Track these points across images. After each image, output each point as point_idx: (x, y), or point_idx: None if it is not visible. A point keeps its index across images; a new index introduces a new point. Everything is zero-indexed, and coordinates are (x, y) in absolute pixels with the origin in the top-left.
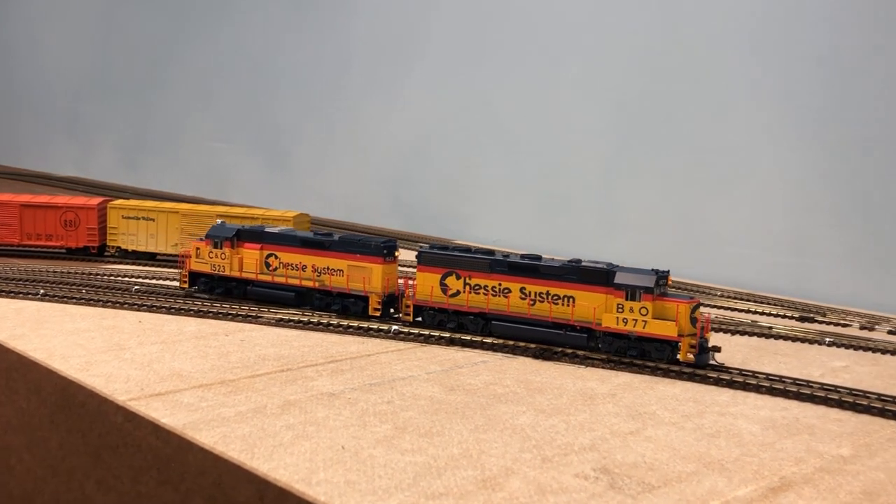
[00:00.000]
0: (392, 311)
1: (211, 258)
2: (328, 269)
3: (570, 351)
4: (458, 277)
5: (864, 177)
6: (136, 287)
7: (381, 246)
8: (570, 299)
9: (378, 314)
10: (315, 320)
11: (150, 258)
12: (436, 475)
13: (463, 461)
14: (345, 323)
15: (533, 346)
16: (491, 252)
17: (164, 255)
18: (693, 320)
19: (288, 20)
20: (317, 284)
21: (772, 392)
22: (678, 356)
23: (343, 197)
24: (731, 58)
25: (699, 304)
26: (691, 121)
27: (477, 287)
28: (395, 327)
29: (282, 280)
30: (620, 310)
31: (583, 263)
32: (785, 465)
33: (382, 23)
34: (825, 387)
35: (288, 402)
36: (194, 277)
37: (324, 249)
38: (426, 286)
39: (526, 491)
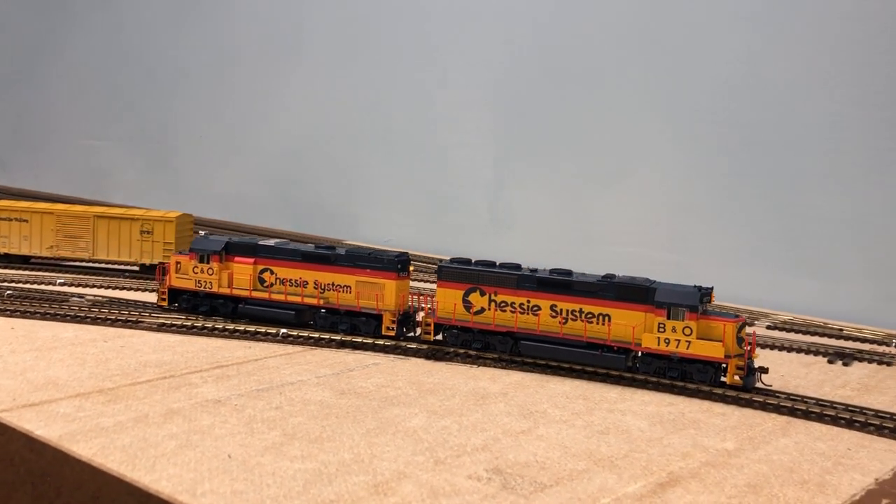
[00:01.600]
0: (405, 329)
1: (196, 273)
2: (333, 285)
3: (461, 351)
4: (483, 294)
5: (742, 176)
6: (9, 292)
7: (394, 260)
8: (606, 317)
9: (392, 333)
10: (199, 324)
11: (23, 261)
12: (326, 482)
13: (354, 466)
14: (230, 327)
15: (425, 346)
16: (517, 266)
17: (39, 257)
18: (739, 340)
19: (170, 14)
20: (321, 302)
21: (658, 388)
22: (724, 378)
23: (229, 196)
24: (615, 59)
25: (745, 323)
26: (578, 120)
27: (503, 304)
28: (283, 330)
29: (280, 297)
30: (662, 329)
31: (619, 278)
32: (672, 461)
33: (268, 18)
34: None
35: (171, 411)
36: (174, 294)
37: (329, 264)
38: (448, 303)
39: (418, 495)
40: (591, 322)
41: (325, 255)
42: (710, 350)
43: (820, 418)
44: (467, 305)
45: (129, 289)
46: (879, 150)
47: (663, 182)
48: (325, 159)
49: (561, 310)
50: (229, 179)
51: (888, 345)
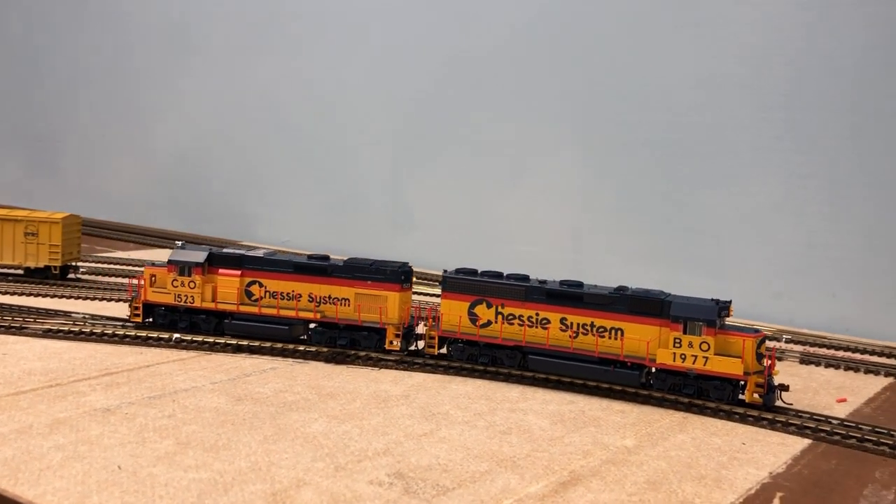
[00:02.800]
0: (413, 343)
1: (175, 287)
2: (330, 298)
3: (363, 353)
4: (490, 306)
5: (639, 177)
6: None
7: (397, 271)
8: (619, 332)
9: (397, 348)
10: (87, 330)
11: None
12: (222, 491)
13: (251, 475)
14: (121, 332)
15: (325, 349)
16: (525, 277)
17: None
18: (759, 356)
19: (56, 11)
20: (318, 316)
21: (558, 386)
22: (742, 396)
23: (117, 196)
24: (516, 60)
25: (765, 338)
26: (479, 121)
27: (511, 317)
28: (176, 335)
29: (272, 311)
30: (678, 345)
31: (632, 291)
32: (574, 459)
33: (161, 14)
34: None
35: (57, 421)
36: (149, 309)
37: (324, 276)
38: (453, 315)
39: (318, 502)
40: (603, 336)
41: (321, 266)
42: (729, 367)
43: (715, 413)
44: (473, 318)
45: (14, 293)
46: (767, 151)
47: (563, 182)
48: (220, 158)
49: (571, 323)
50: (119, 179)
51: (779, 340)
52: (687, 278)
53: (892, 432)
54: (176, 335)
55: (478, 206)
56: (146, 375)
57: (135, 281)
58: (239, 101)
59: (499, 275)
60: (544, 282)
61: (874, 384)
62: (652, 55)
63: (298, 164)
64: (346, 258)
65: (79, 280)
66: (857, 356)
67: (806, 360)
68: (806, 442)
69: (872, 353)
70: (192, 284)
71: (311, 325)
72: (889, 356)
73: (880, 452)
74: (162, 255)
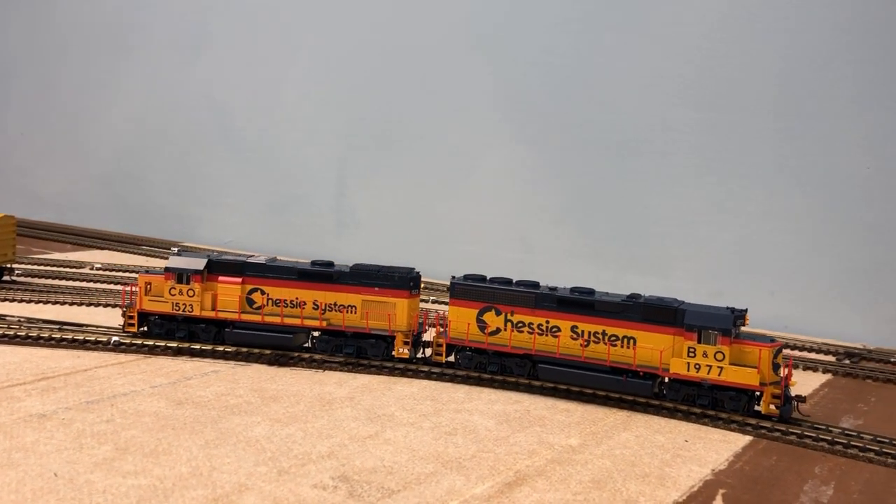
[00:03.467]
0: (421, 351)
1: (173, 295)
2: (336, 305)
3: (306, 355)
4: (499, 313)
5: (582, 177)
6: None
7: (405, 277)
8: (631, 340)
9: (406, 355)
10: (23, 334)
11: None
12: (162, 498)
13: (192, 480)
14: (57, 336)
15: (268, 351)
16: (535, 284)
17: None
18: (776, 366)
19: None
20: (323, 324)
21: (504, 386)
22: (758, 408)
23: (55, 196)
24: (459, 60)
25: (782, 348)
26: (425, 121)
27: (520, 324)
28: (115, 338)
29: (275, 320)
30: (692, 354)
31: (645, 299)
32: (519, 459)
33: (99, 9)
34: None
35: None
36: (143, 318)
37: (329, 282)
38: (461, 322)
39: None
40: (615, 345)
41: (326, 272)
42: (745, 377)
43: (658, 411)
44: (482, 325)
45: None
46: (708, 152)
47: (508, 182)
48: (161, 158)
49: (582, 331)
50: (55, 179)
51: None
52: (630, 277)
53: (830, 428)
54: (115, 338)
55: (423, 205)
56: (84, 380)
57: (128, 288)
58: (180, 99)
59: (508, 281)
60: (554, 289)
61: (813, 381)
62: (596, 56)
63: (241, 164)
64: (351, 264)
65: (14, 282)
66: (796, 353)
67: None
68: (747, 438)
69: (811, 350)
70: (190, 293)
71: (315, 333)
72: (827, 353)
73: (819, 448)
74: (101, 256)
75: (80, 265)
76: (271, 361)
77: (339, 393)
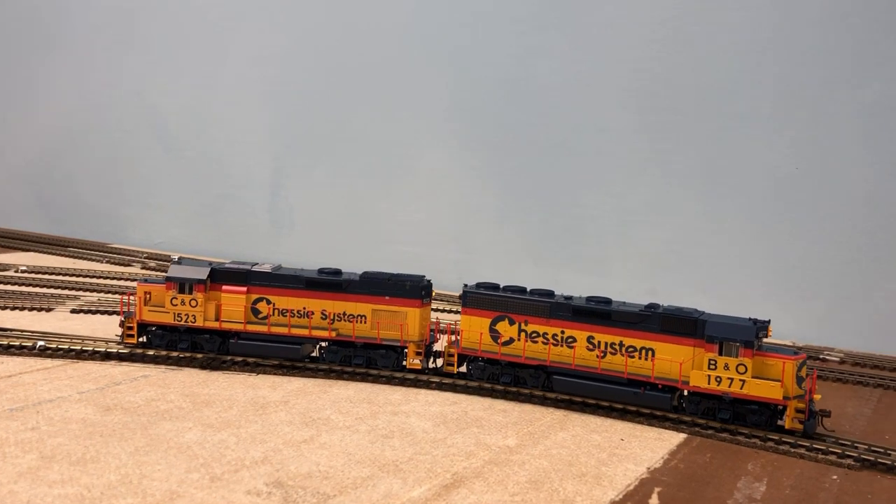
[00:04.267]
0: (432, 361)
1: (175, 306)
2: (345, 315)
3: (239, 359)
4: (512, 322)
5: (520, 177)
6: None
7: (417, 286)
8: (650, 352)
9: (418, 366)
10: None
11: None
12: None
13: (122, 488)
14: None
15: (199, 355)
16: (550, 293)
17: None
18: (799, 379)
19: None
20: (333, 335)
21: (441, 387)
22: (781, 422)
23: None
24: (398, 60)
25: (806, 360)
26: (363, 121)
27: (535, 335)
28: (40, 343)
29: (282, 330)
30: (713, 366)
31: (664, 309)
32: (456, 461)
33: (24, 4)
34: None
35: None
36: (143, 328)
37: (338, 291)
38: (473, 332)
39: None
40: (633, 356)
41: (335, 281)
42: (768, 391)
43: (594, 411)
44: (494, 335)
45: None
46: (644, 152)
47: (445, 182)
48: (90, 157)
49: (599, 342)
50: None
51: None
52: (568, 277)
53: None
54: (41, 343)
55: (360, 206)
56: (7, 386)
57: (126, 298)
58: (109, 98)
59: (522, 290)
60: (570, 298)
61: None
62: (534, 58)
63: (173, 164)
64: (360, 272)
65: None
66: None
67: None
68: (681, 436)
69: None
70: (193, 302)
71: (323, 344)
72: None
73: (752, 445)
74: (25, 258)
75: (5, 267)
76: (203, 365)
77: (273, 397)
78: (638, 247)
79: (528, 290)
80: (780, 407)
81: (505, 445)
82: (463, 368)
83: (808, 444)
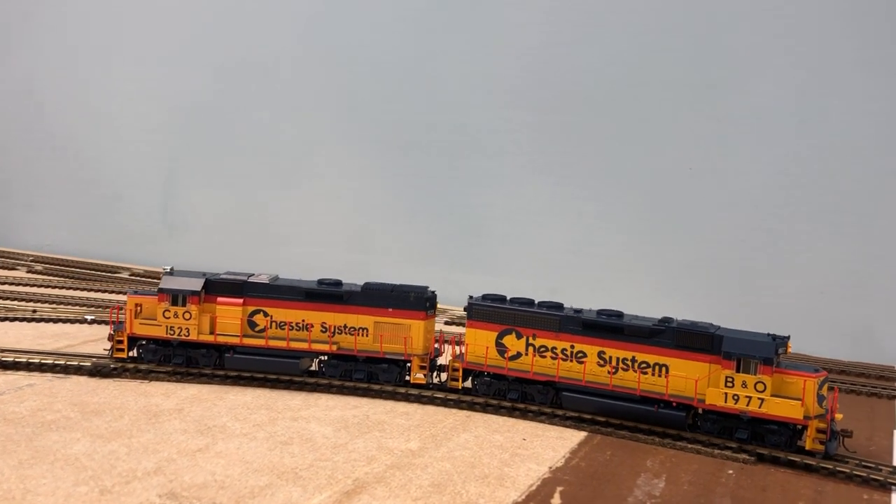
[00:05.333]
0: (436, 376)
1: (167, 318)
2: (346, 327)
3: (130, 366)
4: (520, 336)
5: (421, 177)
6: None
7: (421, 297)
8: (663, 368)
9: (422, 381)
10: None
11: None
12: None
13: None
14: None
15: (88, 363)
16: (559, 305)
17: None
18: (820, 398)
19: None
20: (333, 348)
21: (342, 391)
22: (801, 443)
23: None
24: (289, 61)
25: (827, 378)
26: (258, 119)
27: (543, 349)
28: None
29: (280, 344)
30: (730, 384)
31: (679, 323)
32: (358, 466)
33: None
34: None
35: None
36: (134, 342)
37: (339, 303)
38: (479, 346)
39: None
40: (646, 373)
41: (335, 293)
42: (787, 410)
43: (497, 411)
44: (501, 349)
45: None
46: (541, 153)
47: (343, 182)
48: None
49: (610, 357)
50: None
51: None
52: (466, 276)
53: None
54: None
55: (256, 206)
56: None
57: (115, 310)
58: None
59: (529, 302)
60: (580, 311)
61: None
62: (433, 57)
63: (60, 164)
64: (363, 283)
65: None
66: None
67: None
68: (582, 434)
69: None
70: (187, 315)
71: (323, 357)
72: None
73: (651, 442)
74: None
75: None
76: (92, 373)
77: (166, 404)
78: (536, 246)
79: (536, 302)
80: (800, 427)
81: (407, 449)
82: (468, 383)
83: (705, 440)
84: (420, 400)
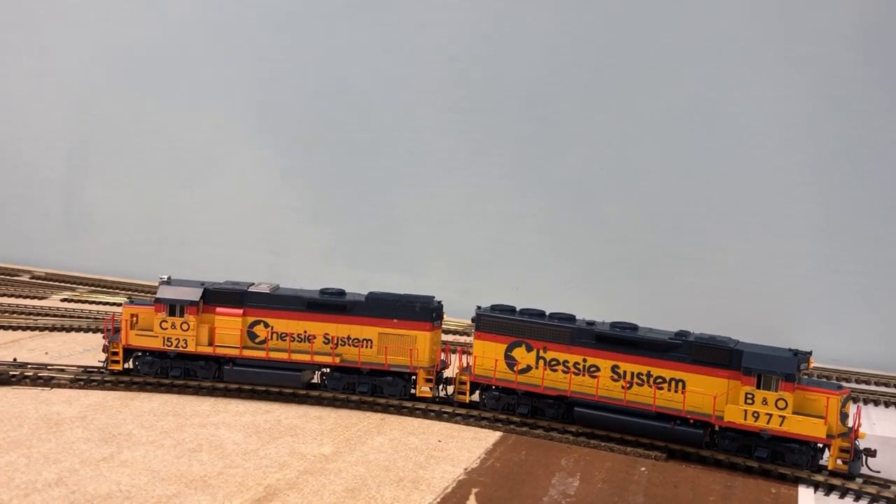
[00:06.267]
0: (442, 389)
1: (164, 329)
2: (350, 339)
3: (30, 373)
4: (530, 349)
5: (333, 176)
6: None
7: (427, 308)
8: (680, 383)
9: (429, 394)
10: None
11: None
12: None
13: None
14: None
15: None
16: (571, 317)
17: None
18: (843, 416)
19: None
20: (336, 360)
21: (252, 395)
22: (823, 461)
23: None
24: (198, 53)
25: (850, 396)
26: (165, 117)
27: (554, 362)
28: None
29: (282, 356)
30: (750, 401)
31: (696, 337)
32: (269, 473)
33: None
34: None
35: None
36: (129, 354)
37: (341, 313)
38: (487, 358)
39: None
40: (662, 388)
41: (338, 303)
42: (810, 428)
43: (412, 413)
44: (511, 362)
45: None
46: (455, 152)
47: (256, 182)
48: None
49: (624, 372)
50: None
51: (469, 335)
52: (382, 277)
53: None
54: None
55: (164, 206)
56: None
57: (110, 320)
58: None
59: (541, 313)
60: (593, 323)
61: None
62: (345, 55)
63: None
64: (366, 293)
65: None
66: None
67: None
68: (497, 434)
69: None
70: (184, 326)
71: (325, 370)
72: None
73: (565, 440)
74: None
75: None
76: None
77: (68, 412)
78: (452, 246)
79: (547, 314)
80: (821, 445)
81: (320, 454)
82: (476, 397)
83: (618, 438)
84: (333, 403)
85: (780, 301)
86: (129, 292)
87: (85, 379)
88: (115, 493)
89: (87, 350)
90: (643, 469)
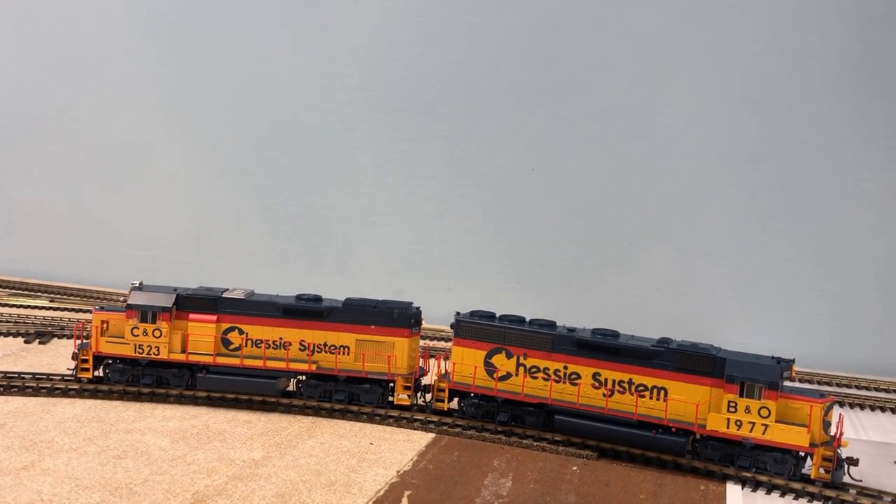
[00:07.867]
0: (420, 396)
1: (136, 336)
2: (326, 345)
3: None
4: (510, 356)
5: (260, 177)
6: None
7: (405, 314)
8: (662, 391)
9: (406, 402)
10: None
11: None
12: None
13: None
14: None
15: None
16: (551, 324)
17: None
18: (826, 424)
19: None
20: (312, 368)
21: (180, 400)
22: (806, 471)
23: None
24: (123, 49)
25: (833, 404)
26: (86, 114)
27: (534, 369)
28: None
29: (256, 363)
30: (732, 409)
31: (679, 344)
32: (197, 479)
33: None
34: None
35: None
36: (100, 361)
37: (318, 319)
38: (466, 365)
39: None
40: (644, 396)
41: (315, 309)
42: (792, 436)
43: (343, 415)
44: (490, 369)
45: None
46: (387, 152)
47: (182, 182)
48: None
49: (606, 379)
50: None
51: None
52: (315, 278)
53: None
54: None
55: (87, 207)
56: None
57: (80, 326)
58: None
59: (521, 320)
60: (574, 330)
61: None
62: (272, 53)
63: None
64: (343, 298)
65: None
66: None
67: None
68: (430, 436)
69: None
70: (157, 333)
71: (301, 377)
72: None
73: (497, 441)
74: None
75: None
76: None
77: None
78: (384, 246)
79: (527, 320)
80: (809, 455)
81: (250, 458)
82: (454, 404)
83: (549, 437)
84: (263, 407)
85: (704, 299)
86: (51, 295)
87: (4, 385)
88: (36, 502)
89: (6, 355)
90: (575, 468)
